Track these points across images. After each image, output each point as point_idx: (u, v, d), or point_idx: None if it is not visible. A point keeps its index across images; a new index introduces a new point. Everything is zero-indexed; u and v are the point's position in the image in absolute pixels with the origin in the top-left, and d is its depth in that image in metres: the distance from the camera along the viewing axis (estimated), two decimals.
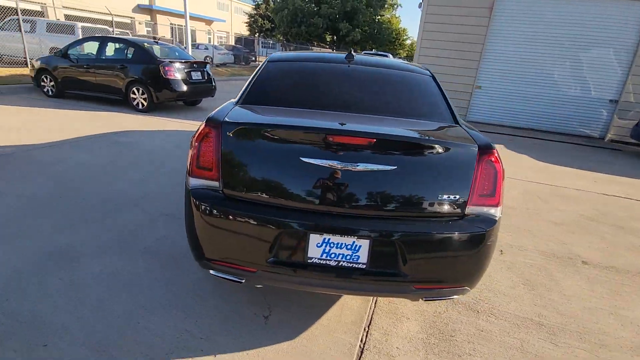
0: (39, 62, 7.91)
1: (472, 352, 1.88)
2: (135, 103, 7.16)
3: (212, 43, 28.07)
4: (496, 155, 1.76)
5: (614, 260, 2.96)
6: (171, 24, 33.42)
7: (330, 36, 24.22)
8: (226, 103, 2.19)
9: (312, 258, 1.68)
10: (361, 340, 1.90)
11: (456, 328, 2.05)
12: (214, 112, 1.92)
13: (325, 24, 21.73)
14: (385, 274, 1.70)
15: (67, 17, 24.14)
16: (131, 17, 30.69)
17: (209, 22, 38.22)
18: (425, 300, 1.81)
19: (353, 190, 1.66)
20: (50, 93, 7.93)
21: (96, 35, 9.56)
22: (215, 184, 1.73)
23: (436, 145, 1.72)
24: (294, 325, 1.95)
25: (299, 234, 1.67)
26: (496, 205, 1.75)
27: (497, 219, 1.75)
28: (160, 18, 32.19)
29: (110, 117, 6.57)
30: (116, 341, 1.75)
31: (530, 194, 4.43)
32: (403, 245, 1.66)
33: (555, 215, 3.83)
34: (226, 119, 1.77)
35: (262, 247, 1.67)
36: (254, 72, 2.46)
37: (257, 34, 38.21)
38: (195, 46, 21.48)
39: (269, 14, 27.87)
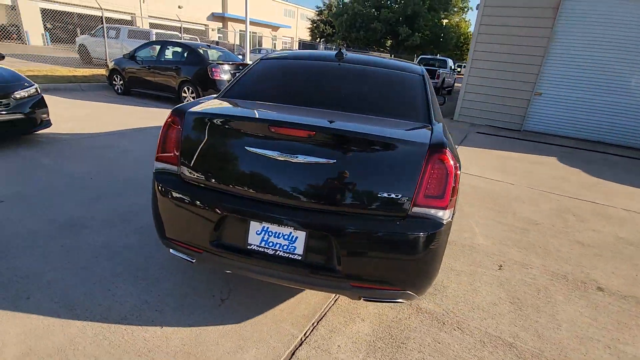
0: (112, 63, 9.00)
1: None
2: (185, 101, 7.81)
3: (274, 48, 29.37)
4: (448, 155, 1.66)
5: (637, 290, 2.56)
6: (240, 30, 35.72)
7: (389, 41, 23.90)
8: (209, 96, 2.34)
9: (252, 245, 1.73)
10: (304, 334, 1.90)
11: (411, 336, 1.95)
12: (184, 102, 2.07)
13: (385, 28, 21.50)
14: (320, 268, 1.69)
15: (151, 25, 26.91)
16: (205, 25, 33.34)
17: (275, 28, 40.01)
18: (365, 300, 1.76)
19: (292, 181, 1.69)
20: (119, 91, 8.96)
21: (163, 40, 10.61)
22: (175, 168, 1.87)
23: (381, 142, 1.68)
24: (245, 311, 2.02)
25: (240, 220, 1.74)
26: (444, 208, 1.65)
27: (444, 222, 1.65)
28: (230, 25, 34.52)
29: (161, 112, 7.24)
30: (84, 302, 1.97)
31: (565, 211, 3.98)
32: (339, 240, 1.64)
33: (587, 235, 3.40)
34: (190, 110, 1.90)
35: (206, 229, 1.77)
36: (245, 68, 2.59)
37: (318, 39, 39.06)
38: (257, 50, 22.60)
39: (330, 19, 28.32)
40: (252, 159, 1.71)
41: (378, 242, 1.63)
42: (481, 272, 2.62)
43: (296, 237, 1.68)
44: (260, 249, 1.72)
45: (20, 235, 2.52)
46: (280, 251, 1.70)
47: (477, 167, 5.38)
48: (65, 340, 1.72)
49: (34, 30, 23.07)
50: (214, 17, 34.30)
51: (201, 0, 32.26)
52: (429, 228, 1.62)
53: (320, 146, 1.67)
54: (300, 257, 1.69)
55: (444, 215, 1.65)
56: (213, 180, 1.79)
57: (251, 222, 1.72)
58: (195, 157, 1.83)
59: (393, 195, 1.63)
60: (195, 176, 1.82)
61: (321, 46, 36.66)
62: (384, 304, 2.17)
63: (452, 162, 1.67)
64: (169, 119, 1.90)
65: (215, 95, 2.35)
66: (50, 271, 2.19)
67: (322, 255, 1.69)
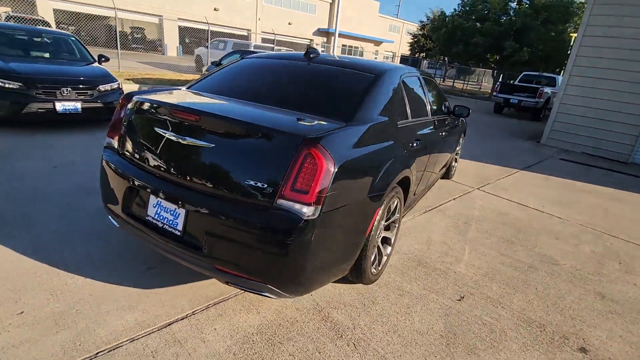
0: (204, 69, 10.38)
1: None
2: None
3: None
4: (320, 150, 1.57)
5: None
6: (342, 45, 37.11)
7: (493, 56, 22.01)
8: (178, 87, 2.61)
9: (149, 216, 1.90)
10: (193, 311, 1.97)
11: (295, 338, 1.85)
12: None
13: (488, 42, 19.92)
14: (192, 246, 1.76)
15: (263, 39, 29.91)
16: (310, 39, 35.60)
17: (377, 43, 40.48)
18: (231, 285, 1.76)
19: (179, 161, 1.81)
20: None
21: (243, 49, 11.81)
22: (115, 143, 2.17)
23: (257, 131, 1.68)
24: (159, 281, 2.18)
25: (141, 193, 1.92)
26: (309, 204, 1.57)
27: (304, 218, 1.56)
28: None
29: None
30: (51, 246, 2.39)
31: (612, 256, 3.19)
32: (205, 221, 1.70)
33: (618, 288, 2.69)
34: (134, 94, 2.18)
35: (123, 199, 2.01)
36: (224, 65, 2.80)
37: (418, 53, 38.07)
38: None
39: (430, 33, 27.46)
40: (158, 139, 1.89)
41: (240, 228, 1.63)
42: (432, 299, 2.31)
43: (179, 214, 1.79)
44: (154, 221, 1.88)
45: (51, 192, 3.17)
46: (167, 225, 1.83)
47: (534, 196, 4.63)
48: (11, 265, 2.12)
49: (171, 44, 27.82)
50: (319, 32, 36.39)
51: (309, 18, 34.61)
52: (289, 222, 1.56)
53: (205, 130, 1.76)
54: (179, 233, 1.79)
55: (307, 211, 1.56)
56: (133, 156, 2.02)
57: (150, 195, 1.89)
58: (126, 135, 2.09)
59: (260, 184, 1.61)
60: (124, 151, 2.08)
61: (424, 62, 35.70)
62: (289, 302, 2.10)
63: (324, 159, 1.57)
64: (120, 101, 2.20)
65: (183, 87, 2.61)
66: (42, 221, 2.70)
67: (195, 233, 1.75)
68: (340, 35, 36.26)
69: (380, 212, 2.03)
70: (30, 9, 19.74)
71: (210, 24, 28.49)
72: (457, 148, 4.70)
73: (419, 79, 3.03)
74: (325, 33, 36.82)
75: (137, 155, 1.99)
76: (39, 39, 5.90)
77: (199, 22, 26.90)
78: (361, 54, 39.03)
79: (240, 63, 2.75)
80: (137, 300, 2.00)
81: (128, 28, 27.16)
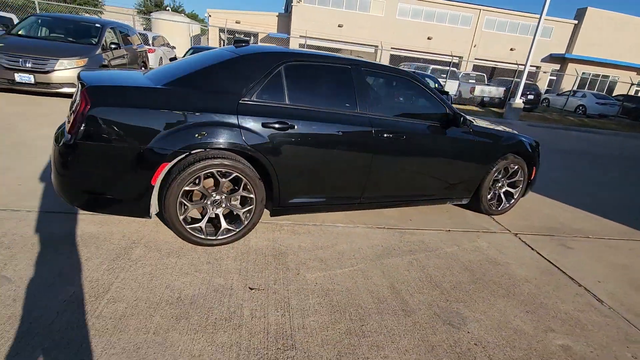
0: None
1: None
2: None
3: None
4: (86, 91, 2.08)
5: None
6: (584, 73, 30.07)
7: None
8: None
9: None
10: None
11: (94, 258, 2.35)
12: None
13: None
14: None
15: (475, 66, 28.49)
16: (537, 67, 30.87)
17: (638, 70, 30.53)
18: None
19: None
20: None
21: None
22: None
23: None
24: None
25: None
26: (69, 132, 2.09)
27: (70, 142, 2.09)
28: (571, 67, 29.89)
29: None
30: None
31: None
32: None
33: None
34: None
35: None
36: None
37: None
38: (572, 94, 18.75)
39: None
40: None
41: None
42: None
43: None
44: None
45: None
46: None
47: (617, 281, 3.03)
48: None
49: None
50: (551, 58, 31.05)
51: (542, 42, 30.07)
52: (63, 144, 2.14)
53: None
54: None
55: (69, 138, 2.09)
56: None
57: None
58: None
59: None
60: None
61: None
62: None
63: (87, 98, 2.06)
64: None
65: None
66: None
67: None
68: (581, 61, 29.74)
69: (166, 167, 2.23)
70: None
71: (422, 52, 29.64)
72: (499, 175, 3.61)
73: (336, 69, 2.80)
74: (561, 59, 31.03)
75: None
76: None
77: (410, 50, 28.60)
78: (611, 85, 30.56)
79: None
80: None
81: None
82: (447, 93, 9.35)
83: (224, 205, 2.52)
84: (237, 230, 2.54)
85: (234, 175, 2.41)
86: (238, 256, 2.46)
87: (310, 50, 3.32)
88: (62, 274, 2.03)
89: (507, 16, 30.11)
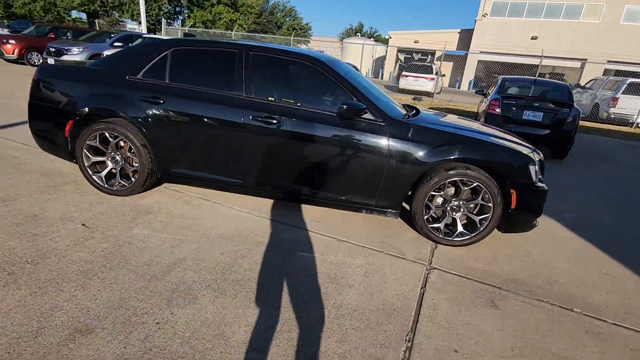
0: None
1: None
2: None
3: None
4: (37, 72, 3.08)
5: None
6: None
7: None
8: None
9: None
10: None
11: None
12: None
13: None
14: None
15: None
16: None
17: None
18: None
19: None
20: None
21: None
22: None
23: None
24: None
25: None
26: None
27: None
28: None
29: None
30: None
31: None
32: None
33: None
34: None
35: None
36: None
37: None
38: None
39: None
40: None
41: None
42: None
43: None
44: None
45: None
46: None
47: None
48: None
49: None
50: None
51: None
52: None
53: None
54: None
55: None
56: None
57: None
58: None
59: None
60: None
61: None
62: None
63: (35, 76, 3.08)
64: None
65: None
66: None
67: None
68: None
69: (71, 124, 2.98)
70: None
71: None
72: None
73: (222, 54, 2.94)
74: None
75: None
76: None
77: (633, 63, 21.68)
78: None
79: None
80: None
81: (547, 74, 26.94)
82: None
83: (120, 163, 3.10)
84: (127, 187, 3.07)
85: (120, 139, 2.97)
86: (115, 206, 2.98)
87: (209, 38, 3.46)
88: None
89: None
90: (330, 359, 1.67)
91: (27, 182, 3.21)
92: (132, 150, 2.99)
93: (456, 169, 2.68)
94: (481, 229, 2.77)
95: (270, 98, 2.85)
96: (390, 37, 31.23)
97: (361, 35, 44.21)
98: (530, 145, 3.10)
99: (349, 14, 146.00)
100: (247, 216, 3.01)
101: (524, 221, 2.78)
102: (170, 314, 1.85)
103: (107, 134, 2.99)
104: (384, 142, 2.70)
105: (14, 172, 3.40)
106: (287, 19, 39.24)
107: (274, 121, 2.76)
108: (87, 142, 3.03)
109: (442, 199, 2.84)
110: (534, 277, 2.55)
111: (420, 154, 2.68)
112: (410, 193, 2.84)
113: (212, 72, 2.95)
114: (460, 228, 2.82)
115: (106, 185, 3.11)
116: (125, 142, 2.99)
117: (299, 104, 2.84)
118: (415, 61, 25.39)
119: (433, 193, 2.76)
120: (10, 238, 2.36)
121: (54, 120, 3.11)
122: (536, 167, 2.75)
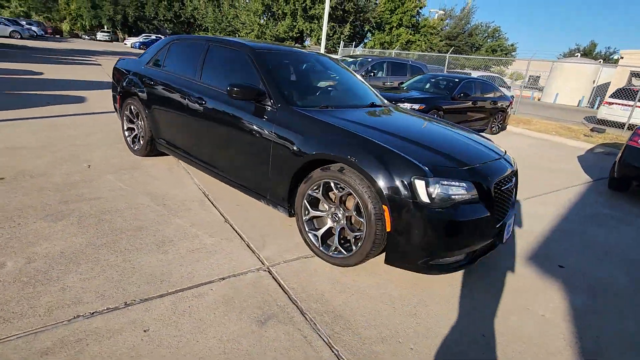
0: None
1: None
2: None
3: None
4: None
5: None
6: None
7: None
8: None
9: None
10: None
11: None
12: None
13: None
14: None
15: None
16: None
17: None
18: None
19: None
20: None
21: None
22: None
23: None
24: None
25: None
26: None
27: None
28: None
29: None
30: None
31: None
32: None
33: None
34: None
35: None
36: None
37: None
38: None
39: None
40: None
41: None
42: None
43: None
44: None
45: None
46: None
47: None
48: None
49: None
50: None
51: None
52: None
53: None
54: None
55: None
56: None
57: None
58: None
59: None
60: None
61: None
62: None
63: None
64: None
65: None
66: None
67: None
68: None
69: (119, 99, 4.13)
70: None
71: None
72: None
73: (197, 46, 3.39)
74: None
75: None
76: None
77: None
78: None
79: None
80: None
81: None
82: None
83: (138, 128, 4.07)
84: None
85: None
86: (102, 160, 3.96)
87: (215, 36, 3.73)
88: None
89: None
90: None
91: None
92: (139, 116, 3.90)
93: (330, 169, 2.25)
94: (354, 249, 2.21)
95: (210, 83, 3.14)
96: (622, 57, 24.04)
97: (588, 57, 35.59)
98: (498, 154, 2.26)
99: (578, 33, 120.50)
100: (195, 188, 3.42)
101: (409, 254, 2.03)
102: None
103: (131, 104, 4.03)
104: (271, 128, 2.56)
105: None
106: (488, 40, 36.21)
107: (204, 103, 3.05)
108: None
109: (327, 204, 2.41)
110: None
111: (296, 144, 2.41)
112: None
113: (189, 61, 3.47)
114: (336, 242, 2.32)
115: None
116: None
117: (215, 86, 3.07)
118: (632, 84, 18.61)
119: (311, 193, 2.39)
120: None
121: None
122: (438, 183, 1.97)
